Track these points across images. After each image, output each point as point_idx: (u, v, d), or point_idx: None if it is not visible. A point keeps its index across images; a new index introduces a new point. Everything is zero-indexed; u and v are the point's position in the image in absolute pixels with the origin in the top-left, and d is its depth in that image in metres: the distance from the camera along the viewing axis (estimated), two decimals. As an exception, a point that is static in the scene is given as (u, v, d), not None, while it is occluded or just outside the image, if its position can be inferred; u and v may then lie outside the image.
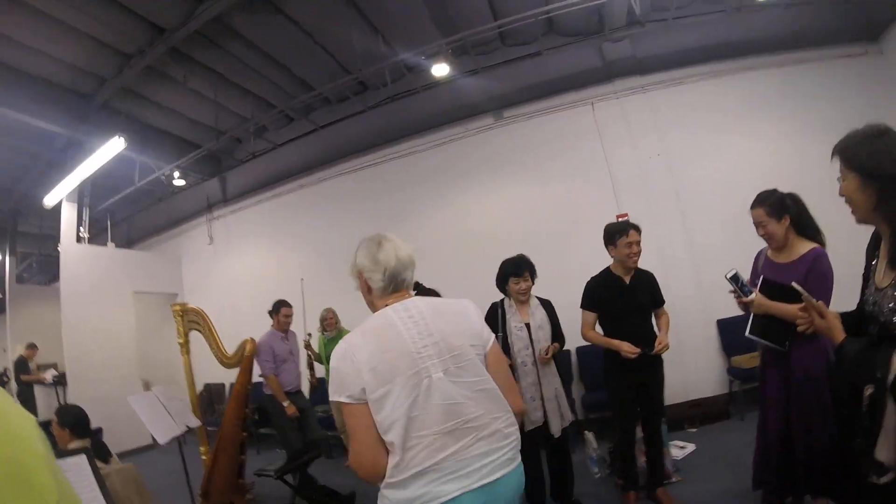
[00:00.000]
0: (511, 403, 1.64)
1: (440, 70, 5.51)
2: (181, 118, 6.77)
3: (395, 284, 1.77)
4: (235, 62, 5.76)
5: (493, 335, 1.79)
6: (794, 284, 1.85)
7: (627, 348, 3.22)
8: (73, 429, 3.16)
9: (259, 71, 5.95)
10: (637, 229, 3.44)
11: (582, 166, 5.74)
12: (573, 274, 5.22)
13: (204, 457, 4.85)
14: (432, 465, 1.45)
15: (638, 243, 3.42)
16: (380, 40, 5.56)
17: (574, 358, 5.46)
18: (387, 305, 1.72)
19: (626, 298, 3.40)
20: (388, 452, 1.51)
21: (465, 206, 6.33)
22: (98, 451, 2.78)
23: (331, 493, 4.41)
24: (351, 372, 1.56)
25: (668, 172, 5.45)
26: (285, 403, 4.94)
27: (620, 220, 3.47)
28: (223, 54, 5.60)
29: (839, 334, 1.73)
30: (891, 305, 1.55)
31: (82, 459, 2.58)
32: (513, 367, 3.40)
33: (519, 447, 1.64)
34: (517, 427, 1.64)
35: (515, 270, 3.54)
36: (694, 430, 4.76)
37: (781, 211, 2.59)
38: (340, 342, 1.73)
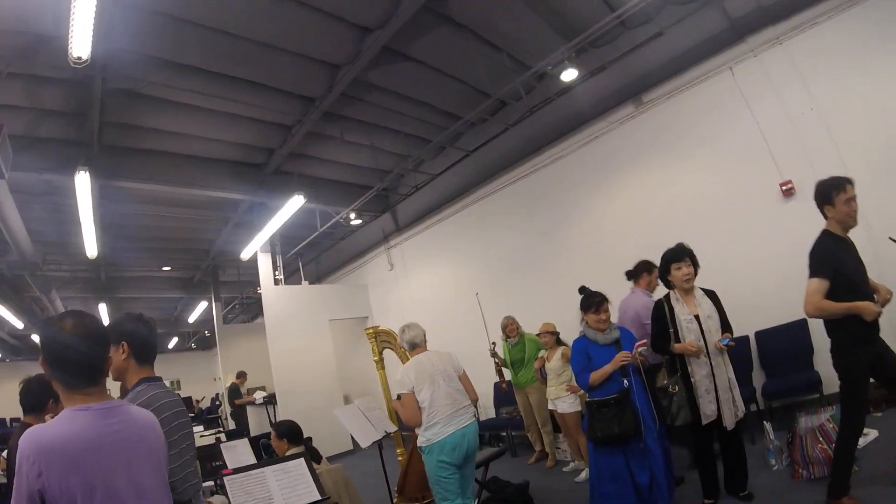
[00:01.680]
0: (470, 397, 3.74)
1: (569, 75, 5.64)
2: (346, 167, 7.74)
3: (416, 345, 3.87)
4: (381, 110, 6.46)
5: (463, 369, 3.86)
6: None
7: (873, 307, 2.83)
8: (288, 438, 3.88)
9: (404, 113, 6.61)
10: (852, 183, 3.00)
11: (732, 136, 5.36)
12: (739, 255, 5.14)
13: (400, 458, 5.51)
14: (441, 418, 3.47)
15: (855, 198, 2.99)
16: (505, 57, 5.83)
17: (753, 343, 5.13)
18: (416, 355, 3.78)
19: (858, 260, 3.02)
20: (421, 413, 3.48)
21: (619, 199, 6.31)
22: (311, 456, 3.32)
23: (509, 485, 4.71)
24: (408, 378, 3.58)
25: (824, 126, 4.86)
26: None
27: (833, 177, 2.96)
28: (369, 106, 6.32)
29: None
30: None
31: (301, 462, 3.23)
32: (685, 361, 3.47)
33: (473, 416, 3.70)
34: (472, 405, 3.72)
35: (676, 257, 3.57)
36: (879, 414, 4.24)
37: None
38: (403, 367, 3.82)
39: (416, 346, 3.87)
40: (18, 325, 11.26)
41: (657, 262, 3.77)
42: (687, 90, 5.71)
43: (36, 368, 2.76)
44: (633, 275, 4.41)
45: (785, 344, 4.90)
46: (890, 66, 4.60)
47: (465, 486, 3.61)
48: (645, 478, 3.47)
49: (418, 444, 3.66)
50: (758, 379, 5.07)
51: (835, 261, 2.94)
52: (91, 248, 7.29)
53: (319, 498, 3.02)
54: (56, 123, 5.46)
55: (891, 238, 2.24)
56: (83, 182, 5.32)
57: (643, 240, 5.70)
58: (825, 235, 3.06)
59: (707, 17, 5.29)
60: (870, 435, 3.82)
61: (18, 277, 8.38)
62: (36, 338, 13.84)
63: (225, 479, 2.92)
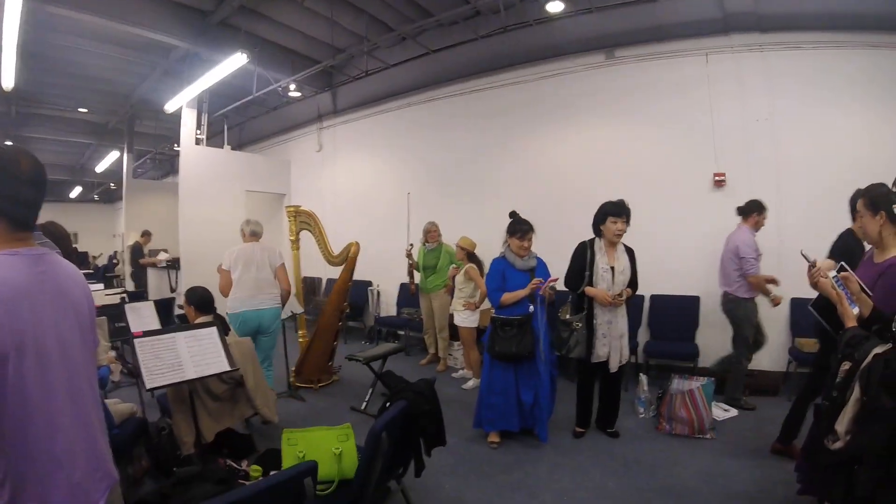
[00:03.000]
0: (281, 287, 4.71)
1: (555, 7, 5.51)
2: (297, 35, 7.12)
3: (256, 234, 4.69)
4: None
5: (283, 261, 4.84)
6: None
7: None
8: (197, 306, 3.82)
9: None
10: None
11: (686, 118, 5.62)
12: (661, 224, 5.49)
13: (301, 340, 5.61)
14: (242, 297, 4.51)
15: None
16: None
17: (647, 304, 5.64)
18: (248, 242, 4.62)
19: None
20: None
21: (565, 139, 6.41)
22: (218, 326, 3.30)
23: (405, 381, 4.99)
24: (229, 259, 4.58)
25: (772, 139, 5.26)
26: None
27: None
28: (338, -25, 5.82)
29: (850, 322, 2.00)
30: None
31: (213, 331, 3.21)
32: (591, 303, 3.77)
33: (275, 302, 4.72)
34: (279, 294, 4.71)
35: (616, 211, 3.78)
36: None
37: (878, 206, 2.34)
38: (229, 249, 4.64)
39: (255, 235, 4.80)
40: None
41: (597, 210, 3.92)
42: (660, 59, 5.79)
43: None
44: (743, 211, 4.52)
45: (675, 312, 5.45)
46: (848, 116, 5.04)
47: (261, 352, 4.41)
48: (529, 397, 3.83)
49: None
50: (642, 336, 5.61)
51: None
52: (8, 79, 6.44)
53: (229, 368, 3.06)
54: None
55: (802, 253, 2.41)
56: (13, 3, 4.57)
57: (580, 184, 5.98)
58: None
59: (704, 1, 5.36)
60: (730, 412, 4.46)
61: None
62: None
63: (135, 341, 2.85)
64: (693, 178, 5.52)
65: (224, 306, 4.47)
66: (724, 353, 4.74)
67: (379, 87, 7.98)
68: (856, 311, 2.13)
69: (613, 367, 3.85)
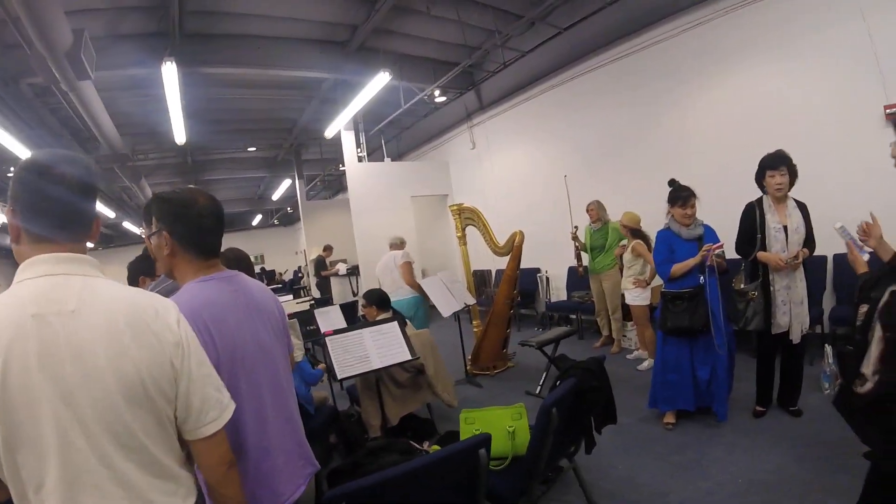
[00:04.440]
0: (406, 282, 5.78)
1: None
2: (432, 43, 7.49)
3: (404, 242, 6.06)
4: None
5: (404, 261, 5.70)
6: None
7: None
8: (377, 305, 4.31)
9: (496, -15, 6.22)
10: None
11: (842, 48, 4.75)
12: (833, 171, 4.79)
13: (476, 329, 5.98)
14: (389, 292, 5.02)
15: None
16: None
17: (830, 265, 4.91)
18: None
19: None
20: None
21: (714, 95, 5.87)
22: (399, 321, 3.69)
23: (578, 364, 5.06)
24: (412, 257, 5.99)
25: None
26: None
27: None
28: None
29: (860, 268, 2.13)
30: None
31: (395, 325, 3.60)
32: (767, 269, 3.47)
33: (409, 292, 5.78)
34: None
35: (772, 163, 3.45)
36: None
37: None
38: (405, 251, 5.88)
39: (393, 245, 6.17)
40: (111, 214, 12.27)
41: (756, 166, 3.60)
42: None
43: (126, 255, 2.95)
44: None
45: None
46: None
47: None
48: (706, 373, 3.66)
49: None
50: (827, 303, 4.91)
51: None
52: (179, 135, 7.67)
53: (411, 357, 3.43)
54: (136, 18, 5.57)
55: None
56: (170, 72, 5.47)
57: (738, 138, 5.43)
58: None
59: None
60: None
61: (109, 170, 8.89)
62: (130, 224, 14.97)
63: (327, 339, 3.32)
64: (862, 116, 4.63)
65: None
66: None
67: (519, 75, 8.03)
68: (866, 257, 2.18)
69: (796, 337, 3.48)
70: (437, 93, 8.34)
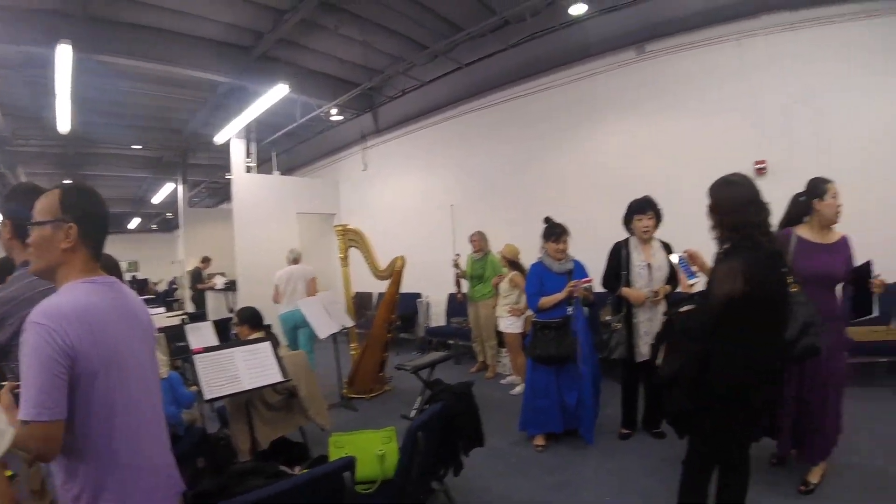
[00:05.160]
0: (309, 293, 6.07)
1: (578, 9, 5.56)
2: (335, 60, 7.43)
3: (297, 260, 6.47)
4: (381, 7, 6.15)
5: (313, 276, 6.32)
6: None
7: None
8: (250, 323, 4.10)
9: (404, 13, 6.30)
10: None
11: (722, 106, 5.51)
12: (699, 222, 5.32)
13: (353, 352, 5.84)
14: (285, 302, 6.10)
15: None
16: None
17: None
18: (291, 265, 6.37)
19: None
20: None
21: (603, 140, 6.40)
22: (271, 341, 3.52)
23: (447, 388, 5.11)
24: (279, 278, 6.40)
25: (812, 120, 5.06)
26: None
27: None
28: (368, 2, 6.01)
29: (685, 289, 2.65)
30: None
31: (267, 345, 3.43)
32: (629, 303, 3.75)
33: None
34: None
35: (640, 208, 3.79)
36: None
37: None
38: (280, 271, 6.30)
39: (296, 260, 6.51)
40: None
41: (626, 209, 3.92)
42: (691, 49, 5.73)
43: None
44: None
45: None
46: (890, 83, 4.80)
47: (300, 343, 5.98)
48: (573, 399, 3.86)
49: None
50: None
51: None
52: (64, 123, 7.06)
53: (282, 379, 3.26)
54: None
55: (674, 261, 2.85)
56: (64, 54, 5.04)
57: (619, 182, 5.93)
58: None
59: None
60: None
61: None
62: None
63: (195, 357, 3.08)
64: (734, 167, 5.20)
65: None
66: None
67: (417, 104, 8.23)
68: (693, 281, 2.60)
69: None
70: (334, 111, 8.28)
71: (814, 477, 2.93)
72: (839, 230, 3.01)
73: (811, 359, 2.48)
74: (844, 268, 2.90)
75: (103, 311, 1.38)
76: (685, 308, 2.32)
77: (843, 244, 2.97)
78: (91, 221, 1.44)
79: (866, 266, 2.84)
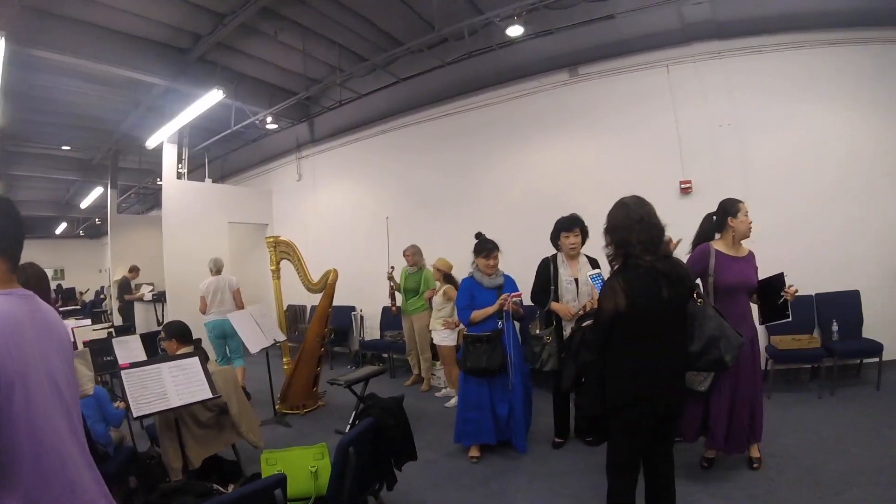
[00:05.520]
0: (236, 305, 6.22)
1: (515, 31, 5.71)
2: (273, 68, 7.34)
3: (219, 269, 6.53)
4: (322, 17, 6.16)
5: (237, 287, 6.37)
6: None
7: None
8: (178, 338, 3.94)
9: (345, 24, 6.34)
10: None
11: (651, 129, 5.79)
12: None
13: (286, 367, 5.72)
14: (212, 311, 6.16)
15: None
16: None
17: None
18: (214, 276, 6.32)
19: None
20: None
21: (533, 158, 6.60)
22: (200, 356, 3.45)
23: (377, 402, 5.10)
24: (204, 288, 6.40)
25: (737, 143, 5.43)
26: None
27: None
28: (309, 10, 6.00)
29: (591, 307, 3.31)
30: None
31: (195, 361, 3.34)
32: (559, 316, 3.89)
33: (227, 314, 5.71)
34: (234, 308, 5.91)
35: (567, 225, 3.95)
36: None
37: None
38: (205, 280, 6.34)
39: (219, 270, 6.51)
40: None
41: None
42: (622, 74, 6.00)
43: None
44: None
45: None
46: (810, 113, 5.26)
47: (230, 350, 6.20)
48: (504, 410, 3.94)
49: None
50: None
51: None
52: None
53: (211, 395, 3.19)
54: None
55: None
56: None
57: (548, 200, 6.09)
58: None
59: (663, 14, 5.51)
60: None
61: None
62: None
63: (123, 373, 2.98)
64: (660, 187, 5.61)
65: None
66: None
67: (354, 115, 8.20)
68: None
69: (586, 376, 3.98)
70: (269, 119, 8.11)
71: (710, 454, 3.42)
72: (748, 245, 3.39)
73: (721, 371, 2.73)
74: (756, 277, 3.29)
75: (19, 321, 1.30)
76: (586, 323, 2.51)
77: (752, 257, 3.36)
78: (14, 229, 1.37)
79: (780, 276, 3.21)
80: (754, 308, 3.40)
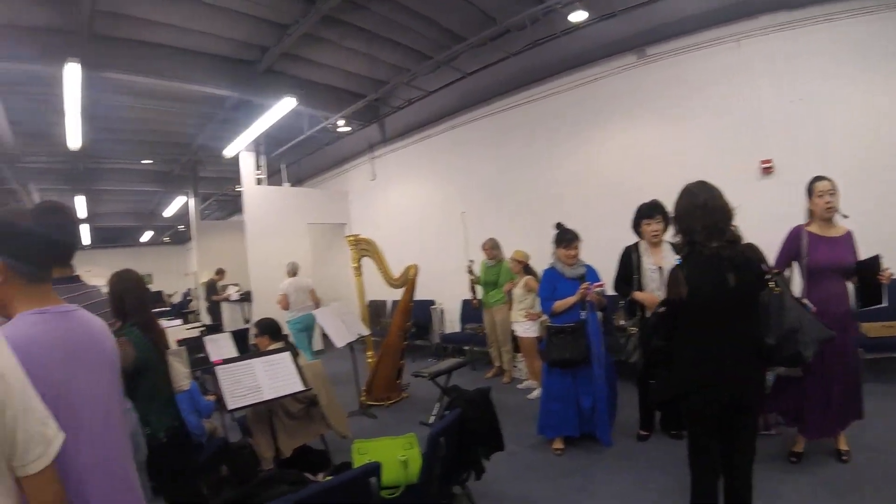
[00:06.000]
0: (312, 300, 7.34)
1: (578, 16, 5.62)
2: (340, 73, 7.54)
3: (296, 272, 7.54)
4: (383, 20, 6.25)
5: (311, 287, 7.44)
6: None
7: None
8: (270, 335, 4.19)
9: (406, 25, 6.41)
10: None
11: (725, 107, 5.54)
12: None
13: (369, 360, 5.94)
14: (295, 309, 7.16)
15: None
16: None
17: None
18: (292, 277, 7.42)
19: None
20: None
21: (605, 145, 6.47)
22: (290, 351, 3.63)
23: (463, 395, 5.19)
24: (285, 288, 7.38)
25: (814, 119, 5.10)
26: None
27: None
28: (371, 14, 6.09)
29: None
30: None
31: (287, 356, 3.53)
32: (643, 306, 3.76)
33: (311, 309, 6.85)
34: (313, 304, 7.19)
35: (647, 213, 3.84)
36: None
37: None
38: (285, 281, 7.29)
39: (296, 272, 7.42)
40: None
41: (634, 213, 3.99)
42: (692, 52, 5.76)
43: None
44: None
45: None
46: (887, 79, 4.84)
47: (308, 344, 7.20)
48: (588, 402, 3.92)
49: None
50: None
51: None
52: (74, 139, 7.18)
53: (303, 388, 3.36)
54: (42, 11, 5.16)
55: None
56: (73, 72, 5.13)
57: (625, 187, 5.97)
58: None
59: None
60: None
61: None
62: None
63: (216, 368, 3.17)
64: (740, 168, 5.37)
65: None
66: None
67: (423, 113, 8.32)
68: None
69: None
70: (341, 122, 8.38)
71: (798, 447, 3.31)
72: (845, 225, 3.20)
73: (800, 364, 2.67)
74: (852, 259, 3.11)
75: (47, 344, 1.31)
76: (661, 310, 2.51)
77: (849, 237, 3.19)
78: (22, 252, 1.33)
79: (875, 259, 3.02)
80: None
